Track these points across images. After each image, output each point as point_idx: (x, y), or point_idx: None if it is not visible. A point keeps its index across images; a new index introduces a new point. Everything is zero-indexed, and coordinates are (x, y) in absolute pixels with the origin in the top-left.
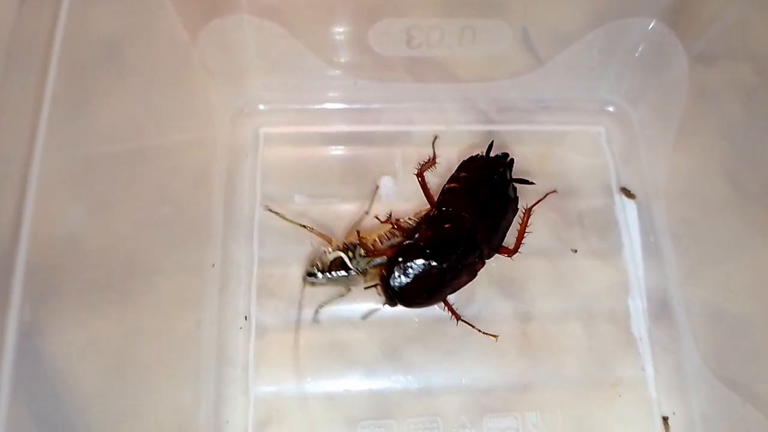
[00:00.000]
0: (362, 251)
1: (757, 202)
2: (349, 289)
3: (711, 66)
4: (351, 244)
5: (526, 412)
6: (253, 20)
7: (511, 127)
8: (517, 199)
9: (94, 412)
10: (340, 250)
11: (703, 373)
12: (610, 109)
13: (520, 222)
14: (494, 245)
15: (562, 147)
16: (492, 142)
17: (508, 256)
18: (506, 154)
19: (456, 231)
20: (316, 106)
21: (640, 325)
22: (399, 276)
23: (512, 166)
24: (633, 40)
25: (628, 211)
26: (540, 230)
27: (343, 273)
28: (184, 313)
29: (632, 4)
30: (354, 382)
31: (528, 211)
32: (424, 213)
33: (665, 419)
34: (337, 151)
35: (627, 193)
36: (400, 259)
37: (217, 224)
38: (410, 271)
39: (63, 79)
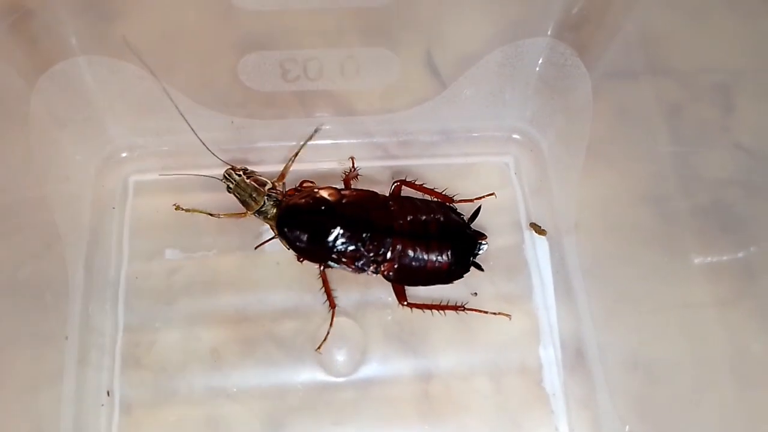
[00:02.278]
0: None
1: (680, 230)
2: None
3: (621, 84)
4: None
5: None
6: (101, 61)
7: (413, 161)
8: (457, 277)
9: None
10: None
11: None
12: (517, 137)
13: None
14: (398, 275)
15: (468, 180)
16: (479, 207)
17: (401, 304)
18: (484, 236)
19: (376, 222)
20: (191, 149)
21: (553, 378)
22: (297, 205)
23: (479, 251)
24: (534, 61)
25: (538, 249)
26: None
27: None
28: (40, 389)
29: (530, 23)
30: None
31: (458, 308)
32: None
33: None
34: (215, 197)
35: (537, 228)
36: (307, 196)
37: (75, 289)
38: (308, 210)
39: None
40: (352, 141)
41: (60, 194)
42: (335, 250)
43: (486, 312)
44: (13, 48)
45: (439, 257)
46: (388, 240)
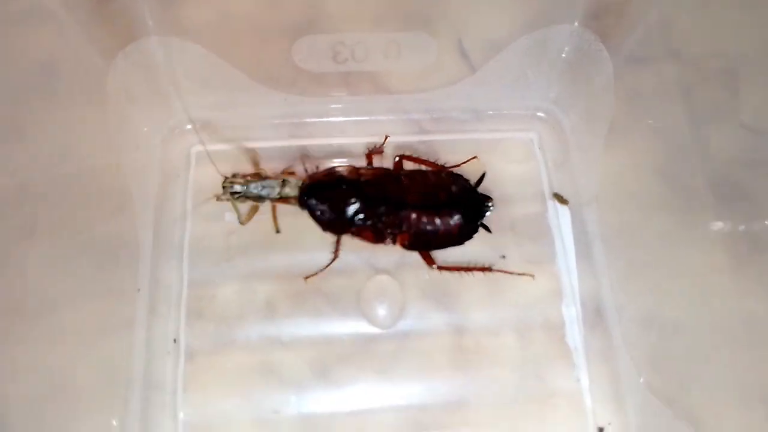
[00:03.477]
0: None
1: (691, 202)
2: (263, 199)
3: (640, 68)
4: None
5: (460, 427)
6: (171, 41)
7: (445, 136)
8: (468, 237)
9: None
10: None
11: (637, 383)
12: (542, 115)
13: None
14: (414, 245)
15: (495, 155)
16: (484, 173)
17: (430, 266)
18: (490, 198)
19: (391, 197)
20: (247, 123)
21: (574, 334)
22: (318, 185)
23: (488, 211)
24: (559, 46)
25: (561, 217)
26: (473, 240)
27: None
28: (112, 338)
29: (556, 11)
30: (283, 404)
31: (487, 269)
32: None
33: (601, 430)
34: (269, 166)
35: (560, 198)
36: (327, 173)
37: (145, 247)
38: (329, 188)
39: None
40: (390, 117)
41: (131, 162)
42: (354, 222)
43: (511, 272)
44: (95, 28)
45: (449, 222)
46: (402, 212)
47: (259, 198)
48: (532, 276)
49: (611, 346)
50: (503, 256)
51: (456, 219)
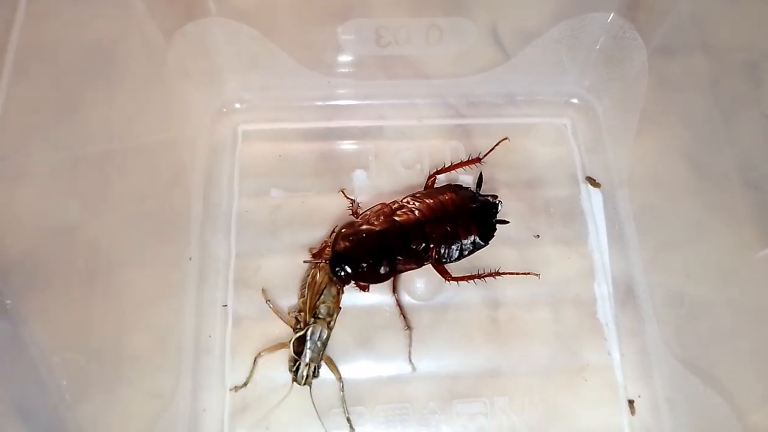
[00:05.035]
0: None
1: (718, 186)
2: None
3: (670, 58)
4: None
5: (494, 397)
6: (226, 23)
7: (480, 120)
8: (491, 235)
9: (75, 398)
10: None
11: (666, 357)
12: (575, 101)
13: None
14: (444, 258)
15: (529, 138)
16: (481, 174)
17: (447, 281)
18: (495, 196)
19: (414, 232)
20: (292, 104)
21: (605, 310)
22: (341, 257)
23: (497, 209)
24: (594, 34)
25: (593, 200)
26: (508, 219)
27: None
28: (164, 303)
29: (592, 1)
30: (326, 370)
31: (496, 273)
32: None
33: (631, 402)
34: (313, 146)
35: (592, 182)
36: (344, 230)
37: (195, 219)
38: (353, 256)
39: (51, 83)
40: (427, 101)
41: (185, 138)
42: (395, 267)
43: (517, 273)
44: (157, 6)
45: (467, 232)
46: (424, 242)
47: (322, 343)
48: (538, 275)
49: (641, 322)
50: (537, 236)
51: (472, 226)
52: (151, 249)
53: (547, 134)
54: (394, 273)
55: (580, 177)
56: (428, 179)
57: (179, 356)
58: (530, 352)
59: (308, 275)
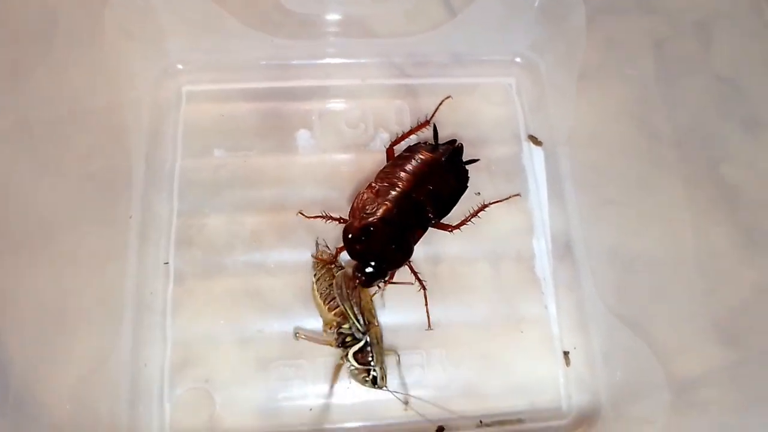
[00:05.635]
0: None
1: (660, 145)
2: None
3: (613, 17)
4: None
5: (432, 349)
6: None
7: (426, 80)
8: (467, 177)
9: (16, 356)
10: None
11: (601, 311)
12: (519, 60)
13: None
14: (440, 213)
15: (474, 98)
16: (435, 126)
17: (450, 231)
18: (454, 140)
19: (405, 204)
20: (236, 64)
21: (543, 265)
22: (363, 248)
23: (462, 151)
24: None
25: (534, 158)
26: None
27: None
28: (106, 262)
29: None
30: (267, 325)
31: (483, 206)
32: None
33: (566, 354)
34: (256, 106)
35: (534, 140)
36: (350, 234)
37: (138, 179)
38: (367, 238)
39: None
40: (373, 60)
41: (125, 98)
42: (407, 251)
43: (500, 201)
44: None
45: (447, 184)
46: (420, 208)
47: (380, 341)
48: (519, 195)
49: (578, 277)
50: (478, 193)
51: (449, 178)
52: (95, 210)
53: (493, 93)
54: (412, 249)
55: (523, 135)
56: (387, 152)
57: (120, 312)
58: (469, 305)
59: (320, 287)
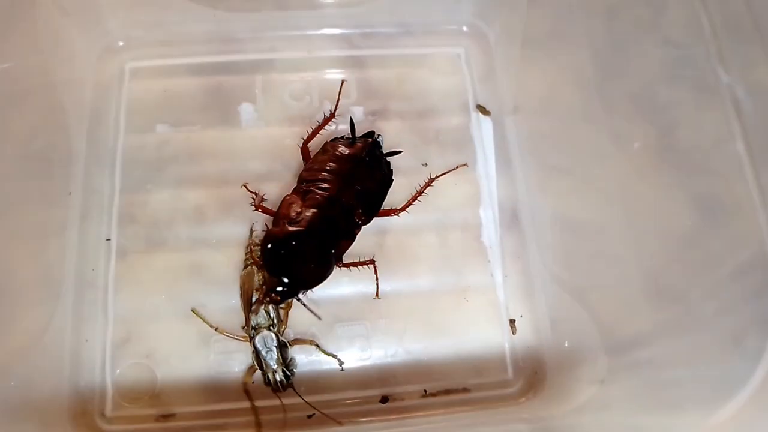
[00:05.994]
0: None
1: (611, 112)
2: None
3: None
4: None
5: (376, 319)
6: None
7: (374, 51)
8: (390, 170)
9: None
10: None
11: (547, 279)
12: (467, 29)
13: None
14: (370, 214)
15: (423, 69)
16: (351, 119)
17: (396, 215)
18: (372, 132)
19: (333, 210)
20: (179, 39)
21: (490, 234)
22: (281, 264)
23: (381, 144)
24: None
25: (483, 128)
26: (399, 149)
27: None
28: (46, 240)
29: None
30: (210, 299)
31: (430, 181)
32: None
33: (512, 321)
34: (200, 81)
35: (482, 110)
36: (269, 245)
37: (79, 156)
38: (285, 251)
39: None
40: (321, 32)
41: (65, 77)
42: (329, 265)
43: (446, 172)
44: None
45: (373, 179)
46: (347, 214)
47: (278, 346)
48: (466, 165)
49: (524, 246)
50: (425, 164)
51: (374, 172)
52: (34, 188)
53: (442, 64)
54: (336, 264)
55: (471, 106)
56: (302, 150)
57: (63, 291)
58: (415, 275)
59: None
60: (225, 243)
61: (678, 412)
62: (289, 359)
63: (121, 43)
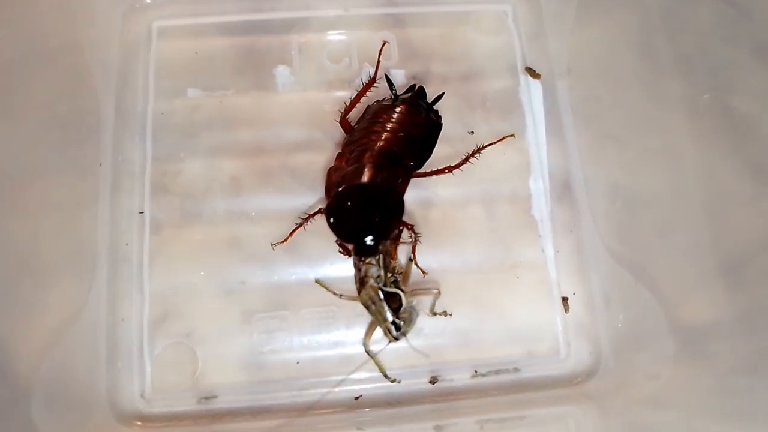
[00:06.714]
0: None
1: (667, 76)
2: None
3: None
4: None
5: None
6: None
7: (414, 9)
8: (438, 116)
9: None
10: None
11: (602, 253)
12: None
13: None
14: (420, 159)
15: (467, 27)
16: (387, 77)
17: (449, 172)
18: (413, 86)
19: (381, 159)
20: None
21: (541, 206)
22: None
23: (424, 94)
24: None
25: (532, 92)
26: (442, 116)
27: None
28: (77, 212)
29: None
30: (250, 276)
31: (478, 150)
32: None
33: (565, 299)
34: (232, 41)
35: (532, 72)
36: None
37: (107, 123)
38: (351, 212)
39: None
40: None
41: (88, 37)
42: (398, 209)
43: (494, 143)
44: None
45: (419, 127)
46: (396, 156)
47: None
48: (513, 136)
49: (577, 218)
50: (471, 132)
51: (418, 118)
52: (61, 157)
53: (487, 23)
54: (403, 204)
55: (520, 68)
56: (342, 124)
57: (96, 266)
58: (462, 250)
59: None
60: (264, 216)
61: (749, 424)
62: (401, 308)
63: (147, 1)
